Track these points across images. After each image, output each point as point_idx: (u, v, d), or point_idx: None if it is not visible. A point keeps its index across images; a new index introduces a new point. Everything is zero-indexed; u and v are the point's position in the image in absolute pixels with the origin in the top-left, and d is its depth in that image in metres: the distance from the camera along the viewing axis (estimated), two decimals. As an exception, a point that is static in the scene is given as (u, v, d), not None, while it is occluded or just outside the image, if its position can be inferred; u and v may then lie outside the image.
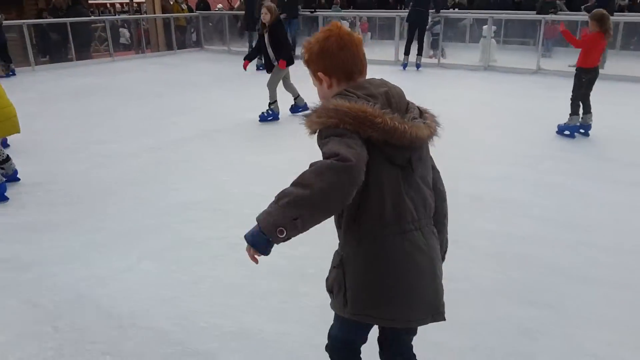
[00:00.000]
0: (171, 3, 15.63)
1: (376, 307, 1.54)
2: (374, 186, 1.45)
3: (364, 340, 1.78)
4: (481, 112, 7.28)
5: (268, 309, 2.80)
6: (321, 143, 1.41)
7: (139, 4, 20.72)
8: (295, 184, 1.34)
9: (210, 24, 15.81)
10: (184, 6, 15.93)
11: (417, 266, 1.51)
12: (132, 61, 13.27)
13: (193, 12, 15.85)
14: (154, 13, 14.91)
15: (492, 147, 5.72)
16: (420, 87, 9.38)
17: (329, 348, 1.81)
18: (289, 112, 7.04)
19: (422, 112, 1.58)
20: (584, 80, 5.83)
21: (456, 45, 13.59)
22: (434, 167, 1.72)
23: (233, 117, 7.00)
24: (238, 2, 17.81)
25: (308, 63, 1.61)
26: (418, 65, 11.40)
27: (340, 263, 1.58)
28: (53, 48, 12.58)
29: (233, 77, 10.31)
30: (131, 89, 9.43)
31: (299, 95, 6.90)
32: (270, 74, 6.68)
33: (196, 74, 11.30)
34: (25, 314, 2.78)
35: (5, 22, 10.81)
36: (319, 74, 1.59)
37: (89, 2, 16.96)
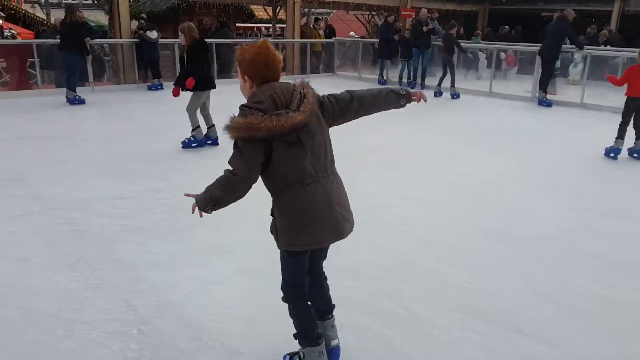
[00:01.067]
0: (310, 28, 16.29)
1: (294, 239, 2.20)
2: (278, 162, 2.08)
3: (304, 281, 2.36)
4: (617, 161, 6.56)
5: (345, 345, 2.70)
6: (233, 146, 2.09)
7: (282, 28, 21.78)
8: (213, 184, 2.17)
9: (342, 50, 16.22)
10: (321, 32, 16.53)
11: (315, 208, 2.15)
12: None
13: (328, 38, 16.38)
14: (293, 38, 15.62)
15: (619, 200, 5.11)
16: (556, 126, 8.74)
17: (281, 288, 2.38)
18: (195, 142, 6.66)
19: (302, 97, 2.10)
20: (631, 107, 6.44)
21: (603, 84, 12.47)
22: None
23: (353, 143, 7.02)
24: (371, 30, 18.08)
25: (239, 64, 2.17)
26: (542, 101, 10.71)
27: (272, 212, 2.27)
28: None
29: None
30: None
31: (212, 126, 6.66)
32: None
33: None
34: (118, 313, 2.95)
35: (161, 41, 11.98)
36: (245, 77, 2.16)
37: (237, 25, 18.21)
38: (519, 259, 3.75)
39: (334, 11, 30.98)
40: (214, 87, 6.62)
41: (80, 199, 4.69)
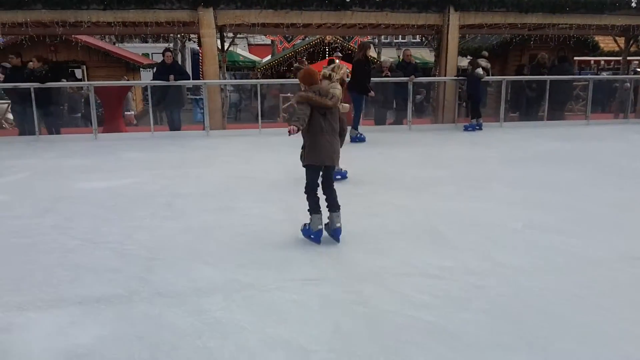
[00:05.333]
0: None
1: (310, 159, 4.27)
2: (313, 119, 4.17)
3: (317, 183, 4.37)
4: None
5: None
6: (296, 103, 4.27)
7: (630, 61, 18.47)
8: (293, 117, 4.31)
9: None
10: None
11: (323, 146, 4.22)
12: (610, 126, 11.53)
13: None
14: (648, 72, 12.69)
15: None
16: None
17: (304, 188, 4.38)
18: None
19: (332, 96, 4.28)
20: None
21: None
22: (341, 119, 4.70)
23: None
24: None
25: (300, 79, 4.39)
26: None
27: (303, 145, 4.34)
28: (526, 105, 12.16)
29: None
30: (605, 161, 7.88)
31: None
32: None
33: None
34: None
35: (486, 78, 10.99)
36: (304, 85, 4.30)
37: (574, 58, 15.92)
38: None
39: None
40: None
41: (383, 270, 3.89)
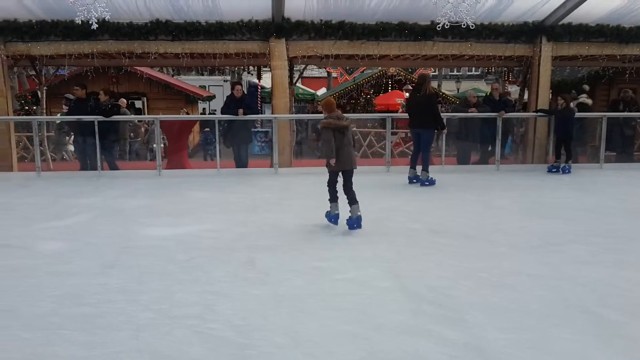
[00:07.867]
0: None
1: (335, 166, 5.74)
2: (336, 138, 5.63)
3: (336, 180, 5.88)
4: None
5: None
6: (321, 129, 5.76)
7: None
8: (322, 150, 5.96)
9: None
10: None
11: (343, 156, 5.69)
12: None
13: None
14: None
15: None
16: None
17: (327, 183, 5.87)
18: None
19: (346, 119, 5.83)
20: None
21: None
22: (354, 135, 6.16)
23: None
24: None
25: (322, 108, 6.00)
26: None
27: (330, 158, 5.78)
28: (623, 144, 10.90)
29: None
30: None
31: None
32: None
33: None
34: None
35: (578, 115, 9.87)
36: (325, 112, 5.86)
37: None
38: None
39: None
40: None
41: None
